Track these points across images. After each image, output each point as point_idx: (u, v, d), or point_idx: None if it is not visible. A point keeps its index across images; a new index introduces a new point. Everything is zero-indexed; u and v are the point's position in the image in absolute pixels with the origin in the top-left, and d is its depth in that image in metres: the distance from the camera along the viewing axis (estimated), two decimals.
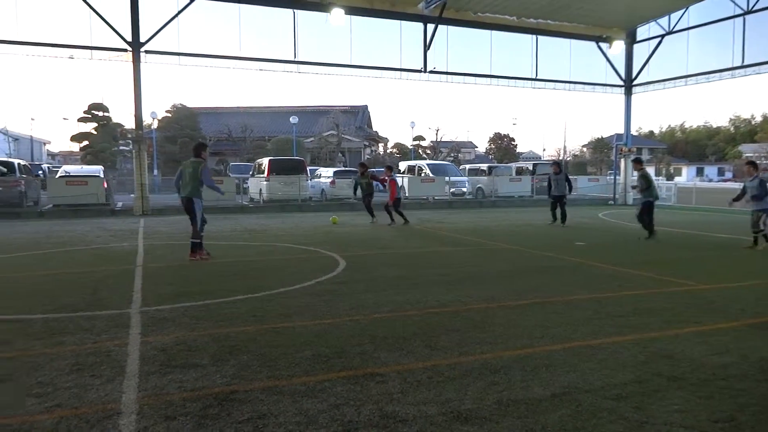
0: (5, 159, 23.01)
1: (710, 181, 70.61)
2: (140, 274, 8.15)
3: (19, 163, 21.14)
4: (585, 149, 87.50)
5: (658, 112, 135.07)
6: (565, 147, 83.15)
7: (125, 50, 19.26)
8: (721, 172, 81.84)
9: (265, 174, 22.77)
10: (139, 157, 19.77)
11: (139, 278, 7.77)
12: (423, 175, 26.35)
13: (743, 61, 22.12)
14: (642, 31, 26.70)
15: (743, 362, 4.35)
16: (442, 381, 3.93)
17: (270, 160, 23.72)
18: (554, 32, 25.49)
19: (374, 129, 58.42)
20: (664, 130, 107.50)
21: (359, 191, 16.63)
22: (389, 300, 6.39)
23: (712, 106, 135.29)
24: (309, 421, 3.28)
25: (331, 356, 4.43)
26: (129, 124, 42.69)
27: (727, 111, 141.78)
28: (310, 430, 3.18)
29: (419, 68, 23.67)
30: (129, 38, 19.16)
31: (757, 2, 21.15)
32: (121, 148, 43.70)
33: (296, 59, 21.89)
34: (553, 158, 65.90)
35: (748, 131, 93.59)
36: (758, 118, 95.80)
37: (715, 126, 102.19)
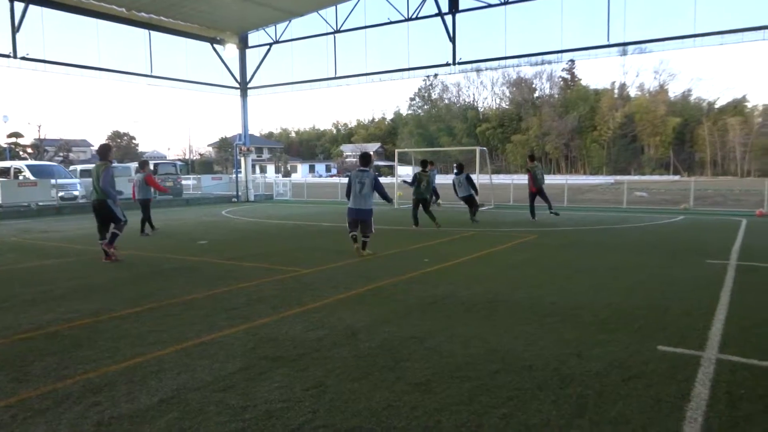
0: None
1: (320, 177, 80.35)
2: None
3: None
4: (211, 149, 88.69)
5: (276, 114, 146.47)
6: (191, 146, 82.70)
7: None
8: (328, 169, 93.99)
9: None
10: None
11: None
12: (21, 178, 22.51)
13: (336, 73, 25.74)
14: (253, 38, 28.43)
15: (333, 332, 5.06)
16: (31, 416, 3.41)
17: None
18: (169, 29, 24.94)
19: None
20: (280, 131, 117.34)
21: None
22: None
23: (319, 111, 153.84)
24: None
25: None
26: None
27: (331, 116, 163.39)
28: None
29: (7, 53, 20.08)
30: None
31: (343, 24, 24.84)
32: None
33: None
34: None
35: (347, 133, 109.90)
36: (354, 123, 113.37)
37: (322, 129, 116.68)
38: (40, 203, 21.36)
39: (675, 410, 3.40)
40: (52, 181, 22.36)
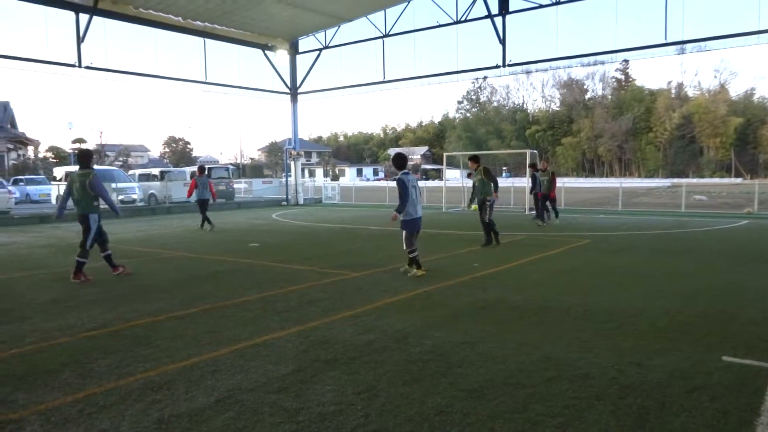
0: None
1: (367, 180, 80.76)
2: None
3: None
4: (261, 153, 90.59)
5: (325, 118, 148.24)
6: (242, 151, 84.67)
7: None
8: (375, 173, 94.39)
9: None
10: None
11: None
12: None
13: (384, 77, 25.83)
14: (304, 44, 28.88)
15: (383, 336, 5.06)
16: (96, 411, 3.55)
17: None
18: (222, 37, 25.63)
19: (21, 130, 49.78)
20: (329, 135, 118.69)
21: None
22: (35, 329, 5.50)
23: (367, 115, 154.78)
24: None
25: None
26: None
27: (379, 120, 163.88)
28: None
29: (73, 62, 21.08)
30: None
31: (392, 28, 24.93)
32: None
33: None
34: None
35: (395, 137, 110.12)
36: (402, 127, 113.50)
37: (370, 132, 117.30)
38: (102, 206, 22.28)
39: (743, 424, 3.24)
40: (113, 185, 23.31)
